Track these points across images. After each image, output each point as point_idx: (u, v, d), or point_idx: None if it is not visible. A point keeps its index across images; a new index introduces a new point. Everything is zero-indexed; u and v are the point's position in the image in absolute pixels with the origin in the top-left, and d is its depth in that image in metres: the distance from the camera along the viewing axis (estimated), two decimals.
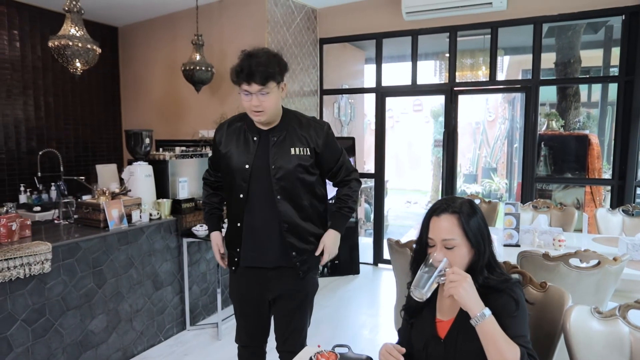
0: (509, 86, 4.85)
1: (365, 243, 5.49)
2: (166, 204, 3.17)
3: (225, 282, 3.69)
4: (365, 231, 6.52)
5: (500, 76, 5.31)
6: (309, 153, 1.80)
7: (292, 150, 1.77)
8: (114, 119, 5.40)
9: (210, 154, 1.97)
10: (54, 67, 4.61)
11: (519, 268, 1.60)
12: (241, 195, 1.76)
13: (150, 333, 3.03)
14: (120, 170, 3.94)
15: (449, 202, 1.30)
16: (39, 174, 3.64)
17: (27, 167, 4.40)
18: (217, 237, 1.96)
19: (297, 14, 4.62)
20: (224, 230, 1.98)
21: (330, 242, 1.85)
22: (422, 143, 12.34)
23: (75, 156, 4.93)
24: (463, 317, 1.20)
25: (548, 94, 5.98)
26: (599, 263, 1.94)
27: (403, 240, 2.25)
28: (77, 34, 2.84)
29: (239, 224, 1.80)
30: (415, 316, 1.36)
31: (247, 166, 1.75)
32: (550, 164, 4.77)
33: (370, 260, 5.06)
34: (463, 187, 10.31)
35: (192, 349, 3.06)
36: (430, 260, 1.22)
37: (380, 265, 5.01)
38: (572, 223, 3.26)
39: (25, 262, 2.21)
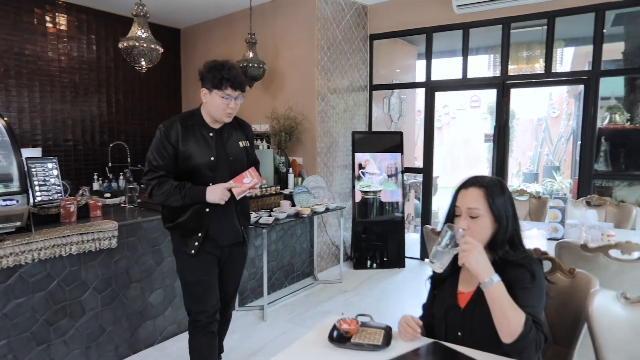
0: (566, 78, 4.62)
1: (414, 238, 5.49)
2: None
3: (272, 268, 3.88)
4: (414, 227, 6.49)
5: (561, 68, 5.06)
6: (249, 145, 2.29)
7: (241, 143, 2.23)
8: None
9: (157, 158, 2.07)
10: (124, 67, 5.06)
11: (549, 255, 1.61)
12: (210, 184, 2.09)
13: None
14: None
15: (478, 178, 1.39)
16: (110, 164, 4.04)
17: (100, 158, 4.88)
18: (214, 186, 2.08)
19: (347, 11, 4.72)
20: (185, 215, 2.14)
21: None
22: (479, 140, 11.94)
23: (142, 149, 5.37)
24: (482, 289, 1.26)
25: (614, 87, 5.60)
26: None
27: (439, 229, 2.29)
28: (143, 36, 3.14)
29: (207, 209, 2.11)
30: (438, 287, 1.43)
31: (212, 158, 2.10)
32: (612, 159, 4.48)
33: (417, 255, 5.06)
34: (522, 186, 9.86)
35: (239, 327, 3.27)
36: (444, 229, 1.29)
37: (426, 260, 4.98)
38: (629, 221, 3.09)
39: (96, 237, 2.51)
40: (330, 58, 4.55)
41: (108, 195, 3.89)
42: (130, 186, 3.28)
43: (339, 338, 1.29)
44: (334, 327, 1.33)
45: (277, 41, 4.69)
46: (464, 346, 1.27)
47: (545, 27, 4.19)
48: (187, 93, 5.82)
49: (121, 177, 4.33)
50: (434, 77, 4.81)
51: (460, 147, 12.53)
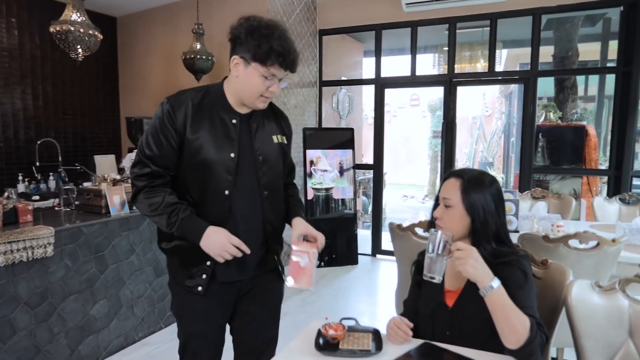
0: (507, 77, 4.88)
1: (363, 235, 5.52)
2: None
3: None
4: (363, 223, 6.55)
5: (499, 68, 5.33)
6: (286, 142, 1.59)
7: (275, 138, 1.53)
8: (113, 109, 5.39)
9: (152, 145, 1.40)
10: (52, 56, 4.58)
11: (521, 247, 1.63)
12: (227, 192, 1.42)
13: (151, 320, 3.03)
14: (118, 161, 3.93)
15: (462, 169, 1.38)
16: (37, 163, 3.63)
17: (25, 157, 4.38)
18: (220, 229, 1.39)
19: (296, 5, 4.62)
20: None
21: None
22: (419, 138, 12.37)
23: (74, 146, 4.92)
24: (471, 287, 1.23)
25: (545, 88, 6.01)
26: (598, 244, 1.97)
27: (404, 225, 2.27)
28: (79, 20, 2.83)
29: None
30: (423, 280, 1.39)
31: (232, 155, 1.42)
32: (548, 155, 4.80)
33: (369, 251, 5.09)
34: None
35: None
36: (430, 234, 1.24)
37: (378, 256, 5.04)
38: (569, 212, 3.29)
39: (28, 245, 2.21)
40: None
41: (36, 197, 3.50)
42: (66, 187, 2.96)
43: (326, 345, 1.20)
44: (319, 334, 1.24)
45: (224, 33, 4.44)
46: (453, 345, 1.23)
47: (487, 28, 4.37)
48: (125, 86, 5.41)
49: (51, 178, 3.92)
50: (382, 75, 4.85)
51: (402, 144, 12.91)
